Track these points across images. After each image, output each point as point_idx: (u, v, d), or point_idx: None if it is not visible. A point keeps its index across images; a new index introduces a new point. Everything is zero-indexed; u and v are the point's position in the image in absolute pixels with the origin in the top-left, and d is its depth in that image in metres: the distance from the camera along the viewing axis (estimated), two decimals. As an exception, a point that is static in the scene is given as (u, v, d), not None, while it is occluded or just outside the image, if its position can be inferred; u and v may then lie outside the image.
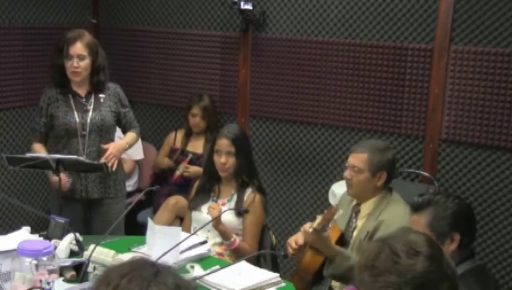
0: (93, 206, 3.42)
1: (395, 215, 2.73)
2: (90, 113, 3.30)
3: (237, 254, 2.98)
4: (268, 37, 4.19)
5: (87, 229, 3.35)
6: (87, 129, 3.29)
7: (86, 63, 3.26)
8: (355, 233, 2.89)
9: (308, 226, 2.72)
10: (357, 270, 1.59)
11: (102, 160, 3.21)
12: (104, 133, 3.34)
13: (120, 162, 3.43)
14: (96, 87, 3.34)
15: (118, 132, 3.57)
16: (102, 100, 3.35)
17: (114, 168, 3.25)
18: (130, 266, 1.27)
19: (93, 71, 3.31)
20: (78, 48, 3.24)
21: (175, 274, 1.26)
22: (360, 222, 2.89)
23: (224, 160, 3.07)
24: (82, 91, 3.34)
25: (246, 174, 3.11)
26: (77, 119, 3.28)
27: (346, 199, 3.05)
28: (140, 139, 4.56)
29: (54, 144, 3.37)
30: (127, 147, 3.40)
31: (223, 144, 3.08)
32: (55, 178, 3.16)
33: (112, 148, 3.25)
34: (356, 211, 2.94)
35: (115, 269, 1.27)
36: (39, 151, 3.31)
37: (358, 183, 2.86)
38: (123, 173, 3.57)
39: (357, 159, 2.85)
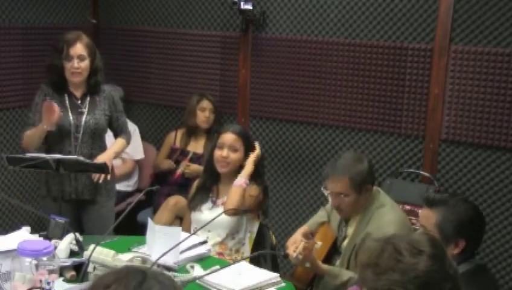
0: (84, 206, 3.42)
1: (381, 227, 2.65)
2: (84, 116, 3.30)
3: (232, 193, 2.98)
4: (268, 37, 4.19)
5: (79, 228, 3.33)
6: (81, 131, 3.29)
7: (86, 63, 3.27)
8: (345, 243, 2.84)
9: (292, 251, 2.71)
10: (360, 269, 1.59)
11: (95, 177, 3.24)
12: (96, 136, 3.35)
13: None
14: (92, 89, 3.34)
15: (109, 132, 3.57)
16: (97, 103, 3.35)
17: (108, 177, 3.29)
18: (115, 275, 1.25)
19: (91, 72, 3.31)
20: (79, 48, 3.24)
21: (162, 282, 1.25)
22: (350, 230, 2.84)
23: (226, 154, 3.04)
24: (78, 92, 3.34)
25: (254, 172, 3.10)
26: (71, 121, 3.28)
27: None
28: (140, 139, 4.58)
29: (45, 142, 3.35)
30: (114, 156, 3.43)
31: (229, 138, 3.06)
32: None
33: (98, 159, 3.25)
34: (346, 219, 2.88)
35: (101, 279, 1.26)
36: (31, 135, 3.23)
37: (347, 207, 2.76)
38: (113, 175, 3.54)
39: (339, 185, 2.72)
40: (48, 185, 3.35)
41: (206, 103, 4.26)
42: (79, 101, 3.33)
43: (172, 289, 1.25)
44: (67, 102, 3.31)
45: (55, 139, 3.31)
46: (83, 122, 3.29)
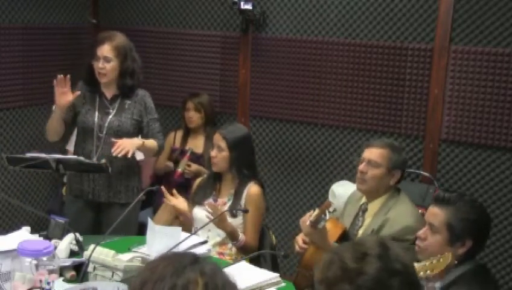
0: (103, 210, 3.39)
1: (400, 215, 2.74)
2: (110, 117, 3.28)
3: (243, 251, 3.00)
4: (268, 37, 4.19)
5: (97, 233, 3.26)
6: (104, 132, 3.26)
7: (111, 65, 3.23)
8: (360, 231, 2.88)
9: (307, 217, 2.71)
10: (316, 285, 1.57)
11: (113, 151, 3.11)
12: (119, 139, 3.25)
13: (136, 169, 3.39)
14: (122, 91, 3.30)
15: None
16: (126, 106, 3.31)
17: (129, 155, 3.12)
18: (173, 254, 1.31)
19: (120, 74, 3.28)
20: (105, 49, 3.22)
21: (215, 263, 1.29)
22: (367, 221, 2.89)
23: (214, 154, 3.09)
24: (109, 93, 3.32)
25: (245, 168, 3.10)
26: (96, 120, 3.27)
27: (355, 197, 3.05)
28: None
29: (76, 139, 3.40)
30: (141, 144, 3.24)
31: (215, 138, 3.14)
32: None
33: (123, 140, 3.16)
34: (363, 209, 2.93)
35: (160, 257, 1.30)
36: (49, 121, 3.29)
37: (372, 179, 2.84)
38: (138, 180, 3.48)
39: (376, 153, 2.85)
40: (70, 183, 3.36)
41: (189, 104, 4.27)
42: (108, 102, 3.32)
43: (225, 274, 1.28)
44: (97, 101, 3.31)
45: (80, 137, 3.33)
46: (107, 123, 3.26)
